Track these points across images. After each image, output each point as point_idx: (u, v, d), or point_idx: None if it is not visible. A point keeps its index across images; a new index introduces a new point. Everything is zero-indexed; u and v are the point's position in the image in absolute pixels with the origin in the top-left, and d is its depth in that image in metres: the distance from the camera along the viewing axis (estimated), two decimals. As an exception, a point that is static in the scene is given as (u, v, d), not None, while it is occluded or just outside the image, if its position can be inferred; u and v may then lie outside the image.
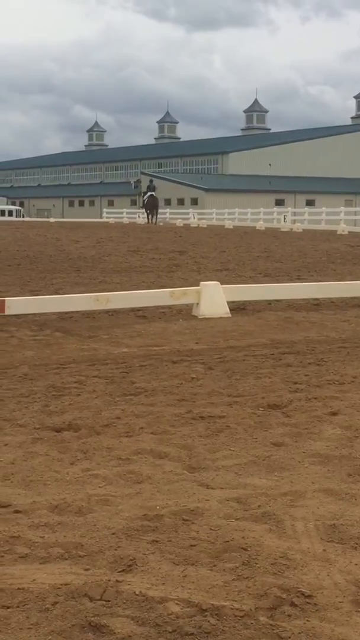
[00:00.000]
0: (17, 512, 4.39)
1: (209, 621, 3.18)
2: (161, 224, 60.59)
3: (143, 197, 59.15)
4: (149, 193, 57.18)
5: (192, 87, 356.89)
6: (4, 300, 11.52)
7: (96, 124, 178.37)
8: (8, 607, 3.31)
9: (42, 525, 4.18)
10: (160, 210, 61.87)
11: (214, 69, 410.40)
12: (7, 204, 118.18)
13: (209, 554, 3.84)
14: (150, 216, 58.63)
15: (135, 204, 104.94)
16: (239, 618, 3.22)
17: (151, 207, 57.58)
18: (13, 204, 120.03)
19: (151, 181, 63.25)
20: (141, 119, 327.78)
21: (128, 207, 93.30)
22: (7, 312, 11.35)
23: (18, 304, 11.73)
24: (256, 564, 3.71)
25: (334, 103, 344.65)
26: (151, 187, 58.16)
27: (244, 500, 4.56)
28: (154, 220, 58.22)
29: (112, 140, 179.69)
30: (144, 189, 65.37)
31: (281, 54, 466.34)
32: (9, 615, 3.26)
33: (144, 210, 60.01)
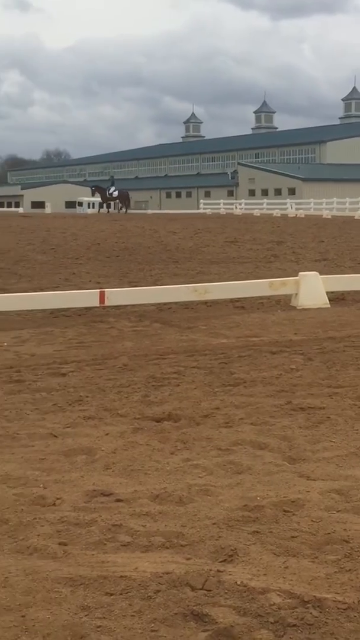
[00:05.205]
0: (119, 500, 4.45)
1: (311, 613, 3.16)
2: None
3: (109, 191, 64.88)
4: (113, 187, 64.58)
5: (282, 76, 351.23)
6: (103, 291, 11.66)
7: (193, 115, 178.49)
8: (111, 595, 3.36)
9: (144, 514, 4.22)
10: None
11: (303, 57, 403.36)
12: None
13: (310, 546, 3.81)
14: (121, 207, 65.34)
15: (232, 195, 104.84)
16: (341, 611, 3.19)
17: (124, 198, 65.10)
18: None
19: (112, 176, 74.44)
20: (231, 109, 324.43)
21: (225, 198, 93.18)
22: (107, 303, 11.49)
23: (117, 295, 11.85)
24: (359, 556, 3.67)
25: None
26: (112, 182, 66.16)
27: (346, 492, 4.51)
28: (124, 210, 65.06)
29: (206, 131, 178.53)
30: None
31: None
32: (112, 602, 3.30)
33: (106, 203, 66.31)
